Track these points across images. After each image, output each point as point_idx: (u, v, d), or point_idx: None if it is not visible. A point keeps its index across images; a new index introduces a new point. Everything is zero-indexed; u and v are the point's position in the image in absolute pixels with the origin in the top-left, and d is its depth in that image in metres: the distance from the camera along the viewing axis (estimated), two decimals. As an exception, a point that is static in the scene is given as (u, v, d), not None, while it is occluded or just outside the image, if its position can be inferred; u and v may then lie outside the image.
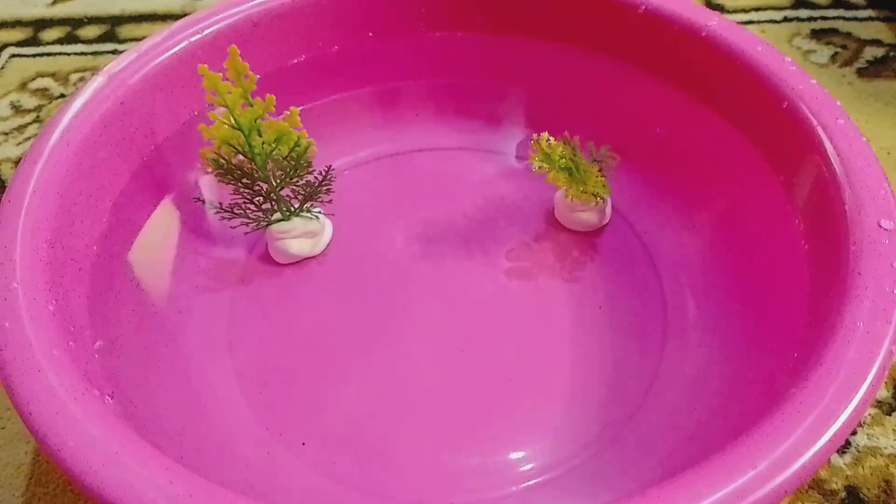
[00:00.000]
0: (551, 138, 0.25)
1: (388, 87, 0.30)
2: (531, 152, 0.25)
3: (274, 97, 0.23)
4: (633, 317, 0.25)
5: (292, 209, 0.26)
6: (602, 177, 0.26)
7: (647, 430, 0.22)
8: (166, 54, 0.25)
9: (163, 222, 0.26)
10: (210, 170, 0.24)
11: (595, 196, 0.26)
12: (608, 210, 0.27)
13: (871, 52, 0.37)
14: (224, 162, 0.24)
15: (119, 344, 0.22)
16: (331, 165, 0.27)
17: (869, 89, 0.34)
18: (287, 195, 0.26)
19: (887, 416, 0.23)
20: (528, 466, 0.21)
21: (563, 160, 0.25)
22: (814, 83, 0.23)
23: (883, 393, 0.24)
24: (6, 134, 0.34)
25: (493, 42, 0.30)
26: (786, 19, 0.39)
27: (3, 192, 0.21)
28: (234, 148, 0.24)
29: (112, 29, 0.40)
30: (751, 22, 0.39)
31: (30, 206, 0.21)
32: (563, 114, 0.29)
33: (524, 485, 0.21)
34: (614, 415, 0.22)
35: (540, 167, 0.25)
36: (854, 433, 0.23)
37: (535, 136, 0.25)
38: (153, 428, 0.20)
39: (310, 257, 0.27)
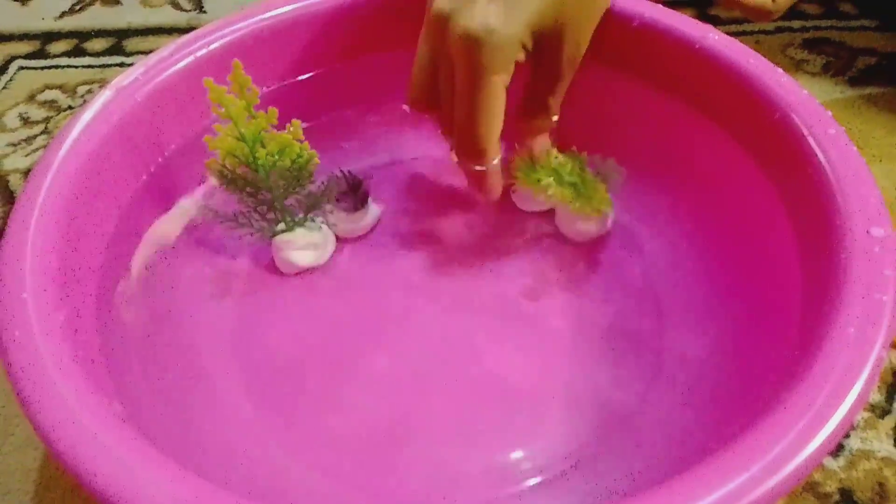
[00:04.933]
0: (559, 154, 0.26)
1: (390, 98, 0.31)
2: (516, 171, 0.26)
3: (276, 110, 0.23)
4: (631, 322, 0.25)
5: (295, 219, 0.26)
6: (606, 192, 0.26)
7: (642, 434, 0.22)
8: (173, 68, 0.26)
9: (169, 232, 0.26)
10: (215, 180, 0.25)
11: (600, 210, 0.26)
12: (609, 219, 0.28)
13: (862, 61, 0.37)
14: (229, 173, 0.25)
15: (126, 352, 0.23)
16: (332, 175, 0.27)
17: (861, 97, 0.35)
18: (290, 205, 0.26)
19: (880, 420, 0.24)
20: (528, 467, 0.22)
21: (571, 176, 0.25)
22: (805, 94, 0.24)
23: (876, 397, 0.24)
24: (15, 145, 0.35)
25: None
26: (779, 29, 0.39)
27: (12, 204, 0.21)
28: (239, 159, 0.24)
29: (119, 42, 0.41)
30: (744, 33, 0.39)
31: (39, 218, 0.21)
32: (562, 124, 0.29)
33: (523, 485, 0.21)
34: (611, 418, 0.23)
35: (545, 184, 0.25)
36: (847, 436, 0.23)
37: (517, 157, 0.26)
38: (160, 433, 0.20)
39: (314, 267, 0.27)
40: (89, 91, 0.38)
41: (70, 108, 0.37)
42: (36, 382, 0.17)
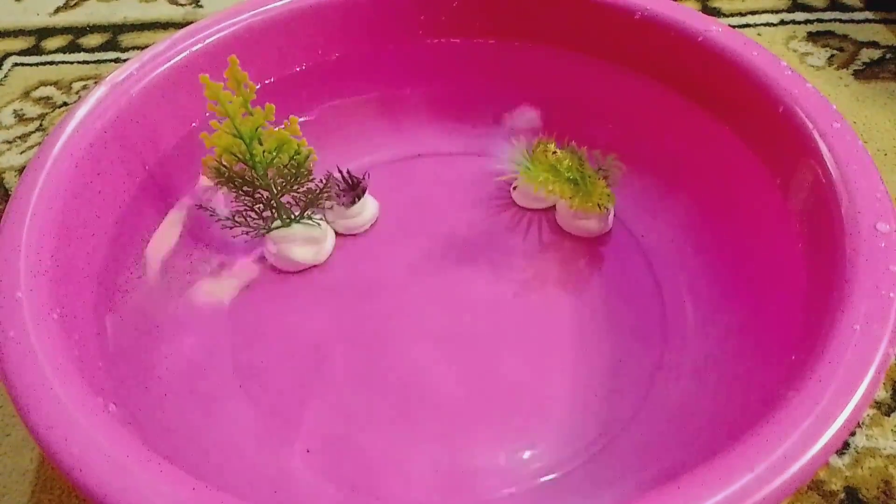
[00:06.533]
0: (558, 150, 0.25)
1: (388, 93, 0.31)
2: (515, 167, 0.26)
3: (273, 106, 0.23)
4: (633, 320, 0.25)
5: (293, 216, 0.26)
6: (607, 187, 0.26)
7: (646, 433, 0.22)
8: (168, 64, 0.25)
9: (166, 230, 0.26)
10: (211, 178, 0.25)
11: (600, 206, 0.26)
12: (610, 217, 0.27)
13: (867, 54, 0.37)
14: (225, 170, 0.24)
15: (122, 351, 0.22)
16: (330, 173, 0.27)
17: (865, 91, 0.35)
18: (288, 203, 0.26)
19: (886, 417, 0.23)
20: (530, 468, 0.22)
21: (570, 172, 0.25)
22: (809, 87, 0.23)
23: (881, 394, 0.24)
24: (10, 142, 0.34)
25: (491, 48, 0.30)
26: (782, 22, 0.39)
27: (7, 201, 0.21)
28: (236, 156, 0.24)
29: (114, 37, 0.41)
30: (747, 25, 0.39)
31: (34, 215, 0.21)
32: (562, 119, 0.29)
33: (526, 486, 0.21)
34: (614, 417, 0.22)
35: (544, 179, 0.25)
36: (853, 434, 0.23)
37: (516, 153, 0.25)
38: (157, 435, 0.20)
39: (313, 265, 0.27)
40: (84, 87, 0.37)
41: (65, 104, 0.36)
42: (30, 383, 0.17)
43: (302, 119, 0.24)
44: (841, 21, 0.39)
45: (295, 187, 0.25)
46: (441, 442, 0.22)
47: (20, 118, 0.36)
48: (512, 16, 0.29)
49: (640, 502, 0.15)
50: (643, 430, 0.22)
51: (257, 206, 0.26)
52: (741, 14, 0.39)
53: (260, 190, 0.25)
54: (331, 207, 0.27)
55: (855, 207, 0.20)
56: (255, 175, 0.24)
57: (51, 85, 0.37)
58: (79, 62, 0.39)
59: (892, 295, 0.18)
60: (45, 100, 0.37)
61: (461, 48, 0.30)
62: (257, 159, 0.24)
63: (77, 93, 0.37)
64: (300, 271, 0.27)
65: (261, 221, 0.26)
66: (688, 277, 0.26)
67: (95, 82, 0.27)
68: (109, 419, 0.17)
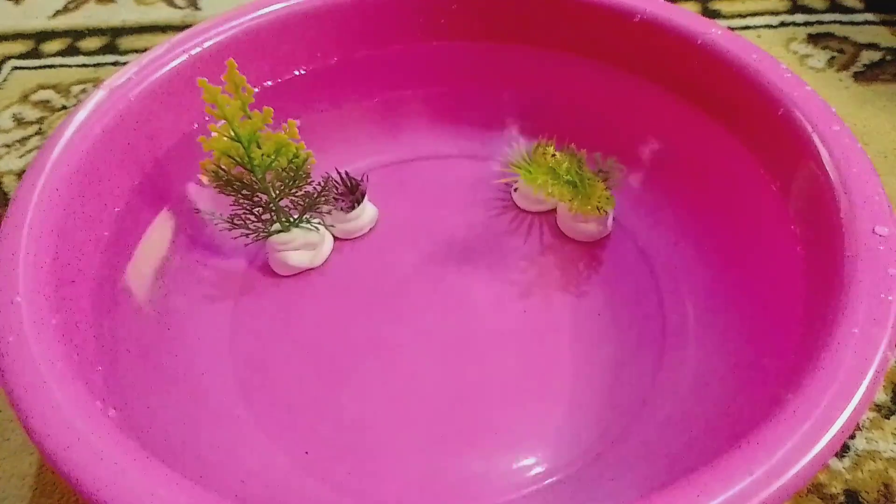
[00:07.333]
0: (557, 152, 0.25)
1: (387, 97, 0.31)
2: (514, 169, 0.26)
3: (271, 109, 0.23)
4: (633, 324, 0.25)
5: (291, 220, 0.26)
6: (607, 189, 0.26)
7: (645, 437, 0.22)
8: (166, 67, 0.25)
9: (164, 234, 0.26)
10: (210, 181, 0.25)
11: (599, 209, 0.26)
12: (610, 221, 0.27)
13: (867, 56, 0.37)
14: (224, 173, 0.24)
15: (121, 356, 0.22)
16: (329, 175, 0.27)
17: (866, 93, 0.35)
18: (286, 206, 0.26)
19: (886, 420, 0.23)
20: (529, 473, 0.22)
21: (569, 175, 0.25)
22: (809, 90, 0.23)
23: (882, 397, 0.24)
24: (8, 146, 0.34)
25: (492, 51, 0.30)
26: (782, 24, 0.39)
27: (5, 205, 0.21)
28: (234, 159, 0.24)
29: (113, 41, 0.41)
30: (747, 27, 0.39)
31: (33, 220, 0.21)
32: (561, 122, 0.29)
33: (525, 491, 0.21)
34: (614, 421, 0.22)
35: (543, 182, 0.25)
36: (853, 437, 0.23)
37: (515, 155, 0.25)
38: (156, 439, 0.20)
39: (310, 269, 0.27)
40: (83, 90, 0.37)
41: (64, 107, 0.36)
42: (29, 387, 0.17)
43: (300, 122, 0.24)
44: (841, 23, 0.39)
45: (293, 190, 0.25)
46: (438, 446, 0.22)
47: (19, 122, 0.36)
48: (511, 19, 0.29)
49: (640, 506, 0.15)
50: (642, 433, 0.22)
51: (256, 209, 0.26)
52: (741, 16, 0.39)
53: (258, 193, 0.25)
54: (329, 212, 0.27)
55: (854, 210, 0.20)
56: (253, 178, 0.24)
57: (50, 88, 0.38)
58: (78, 65, 0.39)
59: (890, 298, 0.18)
60: (44, 103, 0.37)
61: (460, 51, 0.30)
62: (256, 163, 0.24)
63: (76, 96, 0.37)
64: (298, 275, 0.27)
65: (259, 224, 0.26)
66: (687, 281, 0.26)
67: (94, 86, 0.27)
68: (109, 423, 0.17)
